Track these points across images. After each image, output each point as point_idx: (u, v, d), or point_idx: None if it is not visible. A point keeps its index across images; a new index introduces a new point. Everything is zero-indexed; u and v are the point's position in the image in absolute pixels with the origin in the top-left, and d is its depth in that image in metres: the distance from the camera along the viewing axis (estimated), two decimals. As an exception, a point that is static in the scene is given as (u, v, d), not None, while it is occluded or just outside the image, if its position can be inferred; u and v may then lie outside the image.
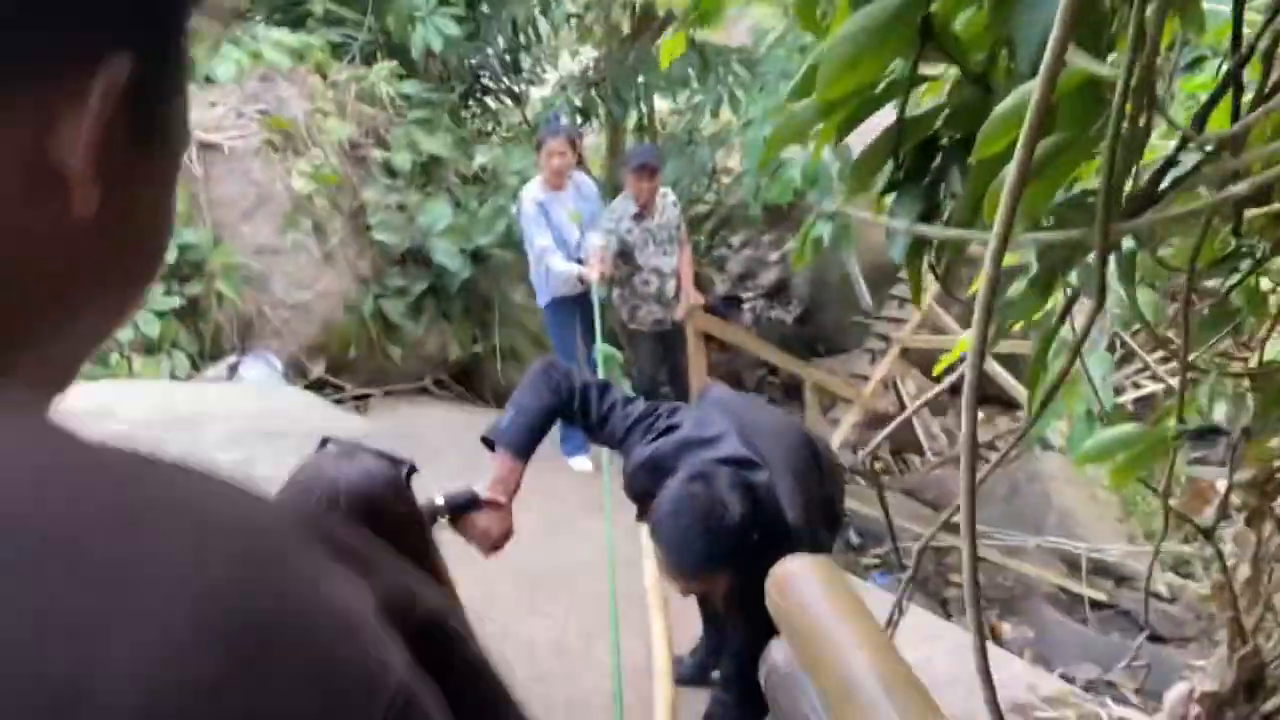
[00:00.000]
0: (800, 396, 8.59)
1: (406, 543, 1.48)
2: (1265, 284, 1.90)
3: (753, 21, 11.64)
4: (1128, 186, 1.28)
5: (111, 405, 4.10)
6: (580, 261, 4.65)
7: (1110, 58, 1.34)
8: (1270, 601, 2.34)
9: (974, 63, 1.42)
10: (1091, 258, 1.34)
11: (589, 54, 10.81)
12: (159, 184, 0.46)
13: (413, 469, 1.64)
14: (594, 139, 10.27)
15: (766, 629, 1.75)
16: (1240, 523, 2.36)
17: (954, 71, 1.54)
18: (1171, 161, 1.31)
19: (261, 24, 6.25)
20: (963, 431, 1.32)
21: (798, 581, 1.27)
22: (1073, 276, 1.46)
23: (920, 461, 9.16)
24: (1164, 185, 1.30)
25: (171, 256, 4.83)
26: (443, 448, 4.93)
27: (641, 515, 2.24)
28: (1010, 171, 1.10)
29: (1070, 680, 5.66)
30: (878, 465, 8.91)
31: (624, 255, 4.83)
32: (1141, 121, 1.21)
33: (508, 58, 7.86)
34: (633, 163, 4.71)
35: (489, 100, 8.13)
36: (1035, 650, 6.05)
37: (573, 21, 7.94)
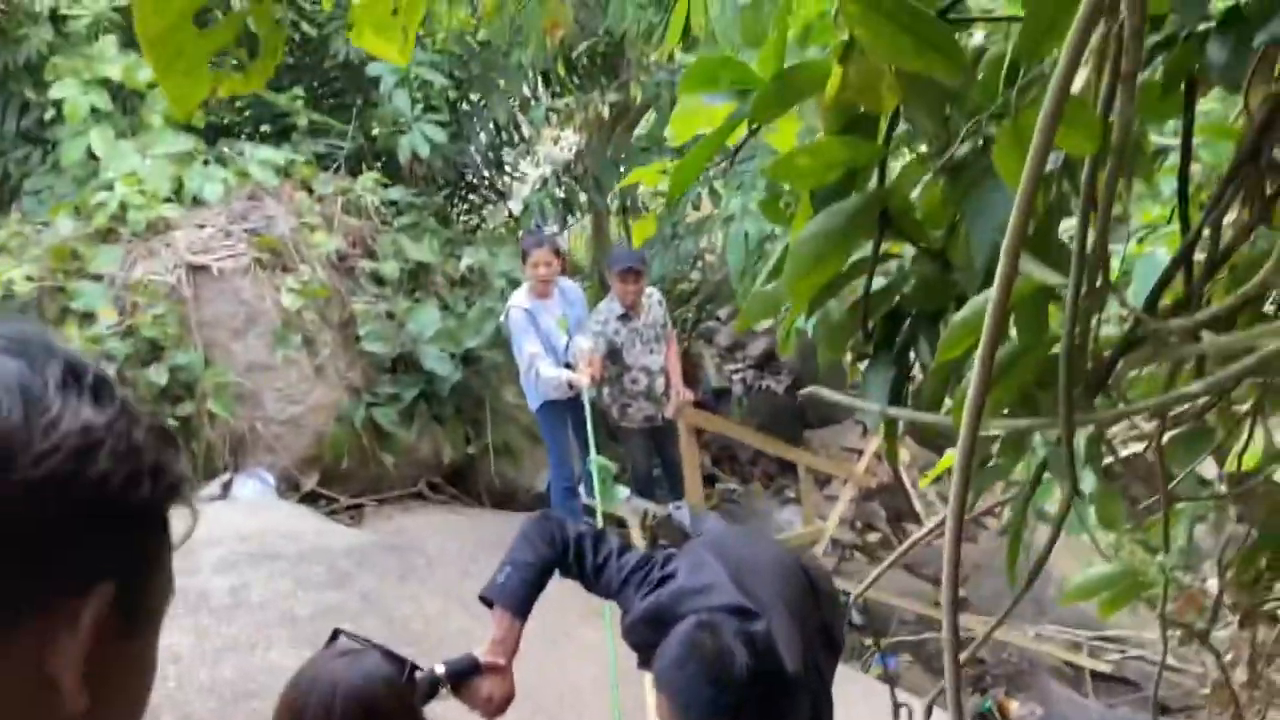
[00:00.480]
0: (794, 472, 8.60)
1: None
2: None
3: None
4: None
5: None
6: (569, 366, 4.72)
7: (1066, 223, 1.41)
8: (1269, 699, 2.36)
9: (933, 240, 1.48)
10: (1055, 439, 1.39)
11: (570, 139, 11.04)
12: (144, 661, 0.52)
13: (415, 667, 1.67)
14: (578, 226, 10.43)
15: None
16: (1234, 624, 2.39)
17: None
18: (1127, 344, 1.37)
19: (247, 141, 6.38)
20: (944, 583, 1.37)
21: None
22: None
23: (917, 530, 9.13)
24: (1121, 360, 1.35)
25: (163, 379, 4.87)
26: (438, 554, 4.93)
27: (643, 664, 2.24)
28: (971, 385, 1.15)
29: (1082, 759, 5.61)
30: (874, 539, 8.92)
31: (612, 356, 4.89)
32: (1093, 322, 1.27)
33: (490, 155, 8.02)
34: (618, 266, 4.79)
35: (473, 198, 8.26)
36: (1045, 727, 6.00)
37: (552, 116, 8.11)
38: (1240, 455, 2.14)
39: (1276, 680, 2.42)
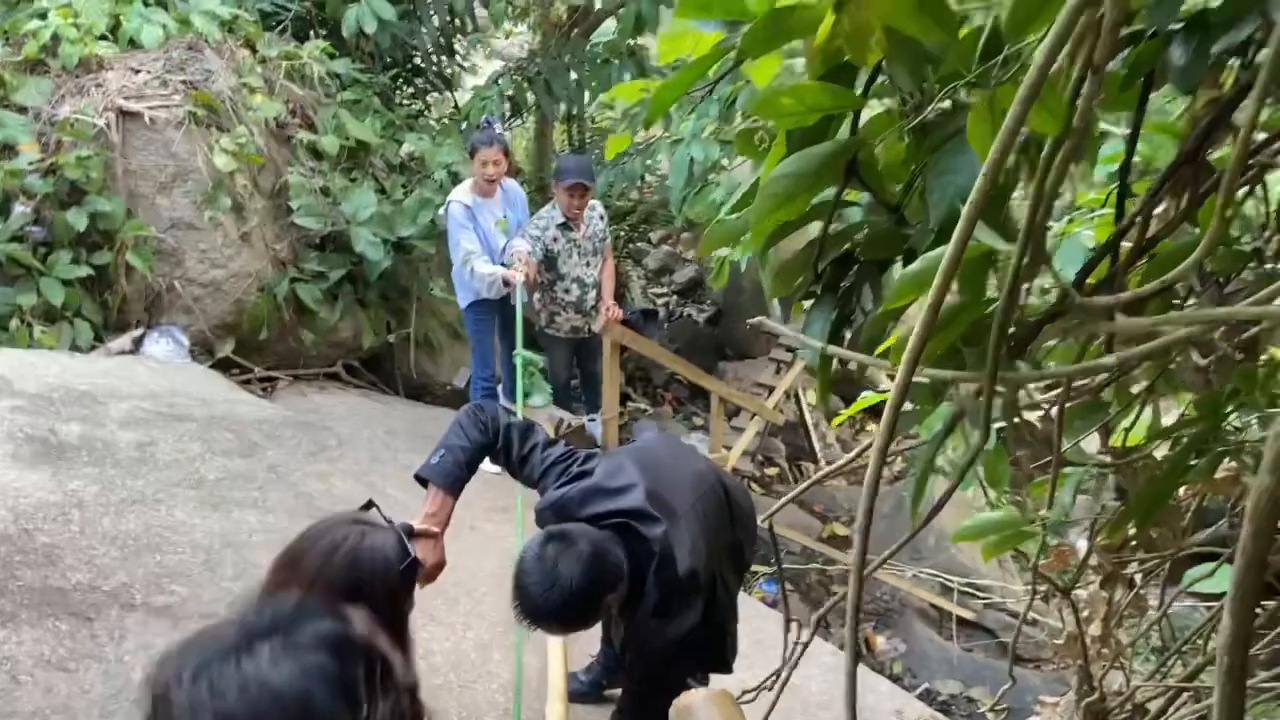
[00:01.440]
0: (706, 398, 8.80)
1: (391, 607, 1.52)
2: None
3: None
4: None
5: (8, 377, 4.00)
6: (504, 265, 4.71)
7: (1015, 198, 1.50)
8: (1117, 655, 2.59)
9: (890, 194, 1.56)
10: (975, 394, 1.50)
11: (521, 39, 10.76)
12: None
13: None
14: (521, 128, 10.26)
15: (656, 685, 1.90)
16: (1096, 584, 2.61)
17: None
18: (1053, 314, 1.48)
19: (192, -13, 6.08)
20: (857, 522, 1.48)
21: (699, 713, 1.40)
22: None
23: (814, 469, 9.50)
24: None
25: (82, 223, 4.71)
26: (349, 436, 4.95)
27: None
28: (914, 332, 1.25)
29: (935, 695, 6.02)
30: (773, 472, 9.23)
31: (548, 263, 4.91)
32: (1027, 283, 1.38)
33: (441, 40, 7.79)
34: (566, 180, 4.76)
35: (419, 82, 8.04)
36: (904, 663, 6.39)
37: (509, 9, 7.90)
38: (1127, 431, 2.32)
39: (1123, 640, 2.64)
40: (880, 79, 1.46)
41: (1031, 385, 2.18)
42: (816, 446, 9.31)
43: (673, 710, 1.48)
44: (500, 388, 5.09)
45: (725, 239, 1.64)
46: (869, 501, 1.37)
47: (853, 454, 2.85)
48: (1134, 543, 2.48)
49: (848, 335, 1.74)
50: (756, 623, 4.45)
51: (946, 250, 1.19)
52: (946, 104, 1.38)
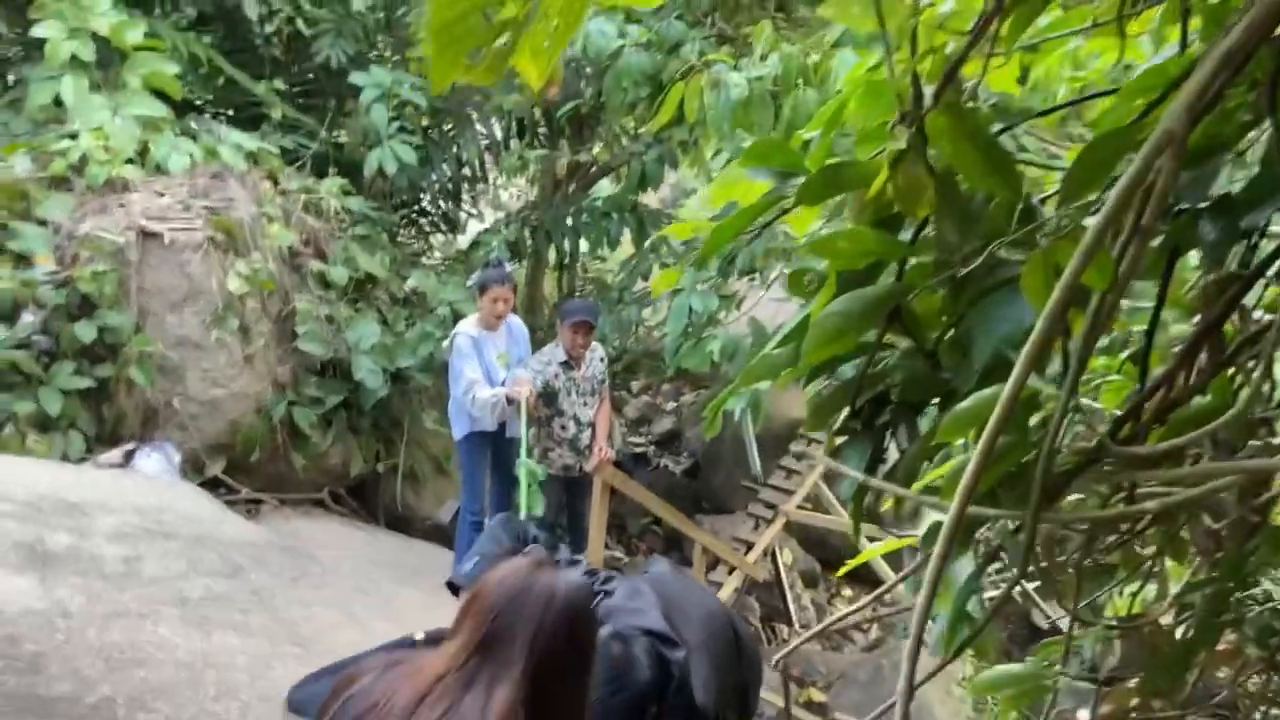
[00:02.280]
0: (682, 550, 8.73)
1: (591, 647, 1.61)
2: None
3: (674, 179, 12.32)
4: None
5: (-1, 482, 3.95)
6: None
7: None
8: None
9: (927, 339, 1.66)
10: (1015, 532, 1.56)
11: (518, 189, 11.18)
12: None
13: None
14: (516, 270, 10.55)
15: None
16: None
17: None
18: (1090, 459, 1.56)
19: (219, 122, 6.36)
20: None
21: None
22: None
23: (789, 632, 9.33)
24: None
25: (89, 336, 4.76)
26: (332, 564, 4.88)
27: None
28: (971, 464, 1.31)
29: None
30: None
31: (547, 399, 4.98)
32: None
33: (450, 186, 8.12)
34: (573, 318, 4.91)
35: (423, 223, 8.32)
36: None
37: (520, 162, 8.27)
38: (1134, 596, 2.37)
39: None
40: (925, 232, 1.58)
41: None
42: (792, 608, 9.18)
43: None
44: (487, 522, 5.06)
45: (766, 373, 1.72)
46: (920, 626, 1.40)
47: (867, 600, 2.86)
48: (1133, 715, 2.48)
49: (880, 471, 1.80)
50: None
51: (1003, 390, 1.27)
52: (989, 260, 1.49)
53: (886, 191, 1.52)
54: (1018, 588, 2.25)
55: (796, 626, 9.05)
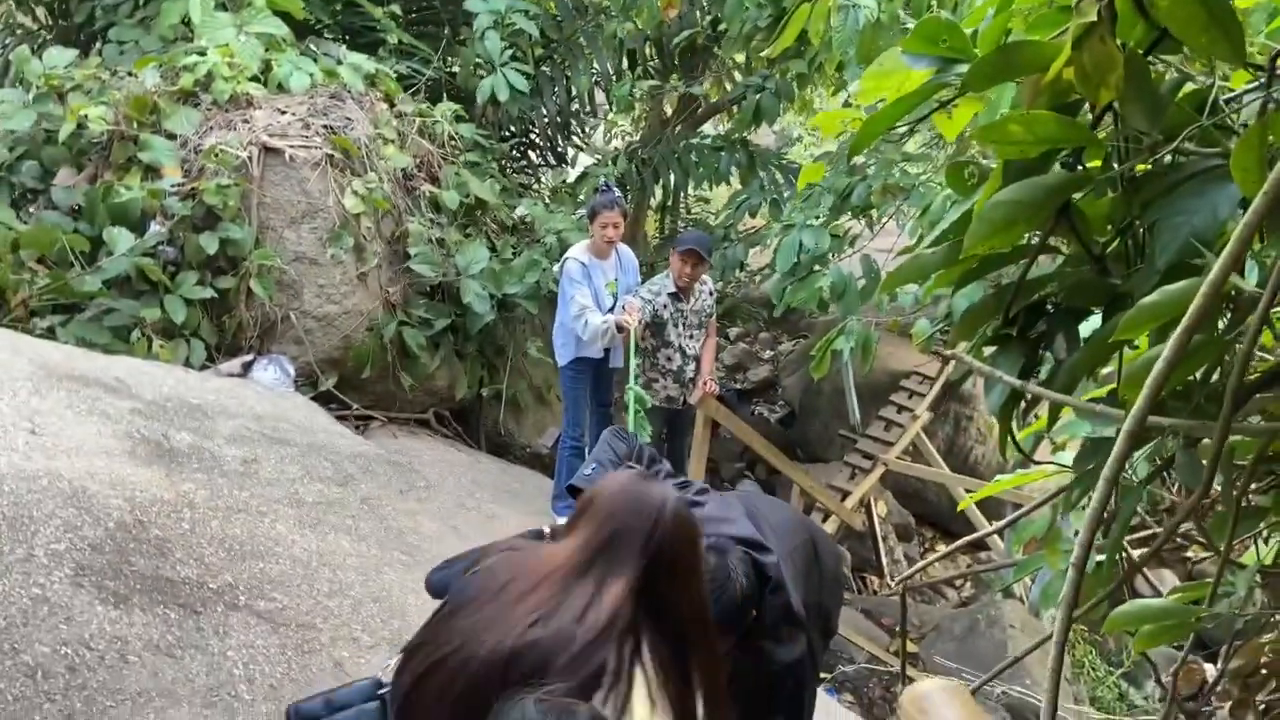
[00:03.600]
0: (777, 496, 8.64)
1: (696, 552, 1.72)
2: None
3: (780, 126, 12.01)
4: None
5: (128, 382, 4.11)
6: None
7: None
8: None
9: (1095, 243, 1.54)
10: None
11: (628, 131, 11.08)
12: None
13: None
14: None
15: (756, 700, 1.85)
16: (1225, 711, 2.45)
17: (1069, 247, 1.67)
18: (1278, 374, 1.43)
19: (339, 44, 6.42)
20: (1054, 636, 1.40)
21: (935, 702, 1.35)
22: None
23: (879, 584, 9.23)
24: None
25: (213, 247, 4.90)
26: (438, 481, 4.97)
27: None
28: (1160, 363, 1.21)
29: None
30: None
31: (655, 329, 4.94)
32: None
33: (559, 119, 8.07)
34: (683, 246, 4.85)
35: (533, 155, 8.31)
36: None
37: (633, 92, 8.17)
38: (1280, 543, 2.21)
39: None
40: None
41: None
42: (884, 560, 9.07)
43: (906, 696, 1.42)
44: (587, 451, 5.08)
45: (919, 273, 1.62)
46: (1087, 542, 1.32)
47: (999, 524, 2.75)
48: (1265, 671, 2.34)
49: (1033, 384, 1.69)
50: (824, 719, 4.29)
51: (1203, 280, 1.16)
52: (1173, 154, 1.36)
53: (1063, 76, 1.40)
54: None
55: (888, 578, 8.94)
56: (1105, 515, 2.01)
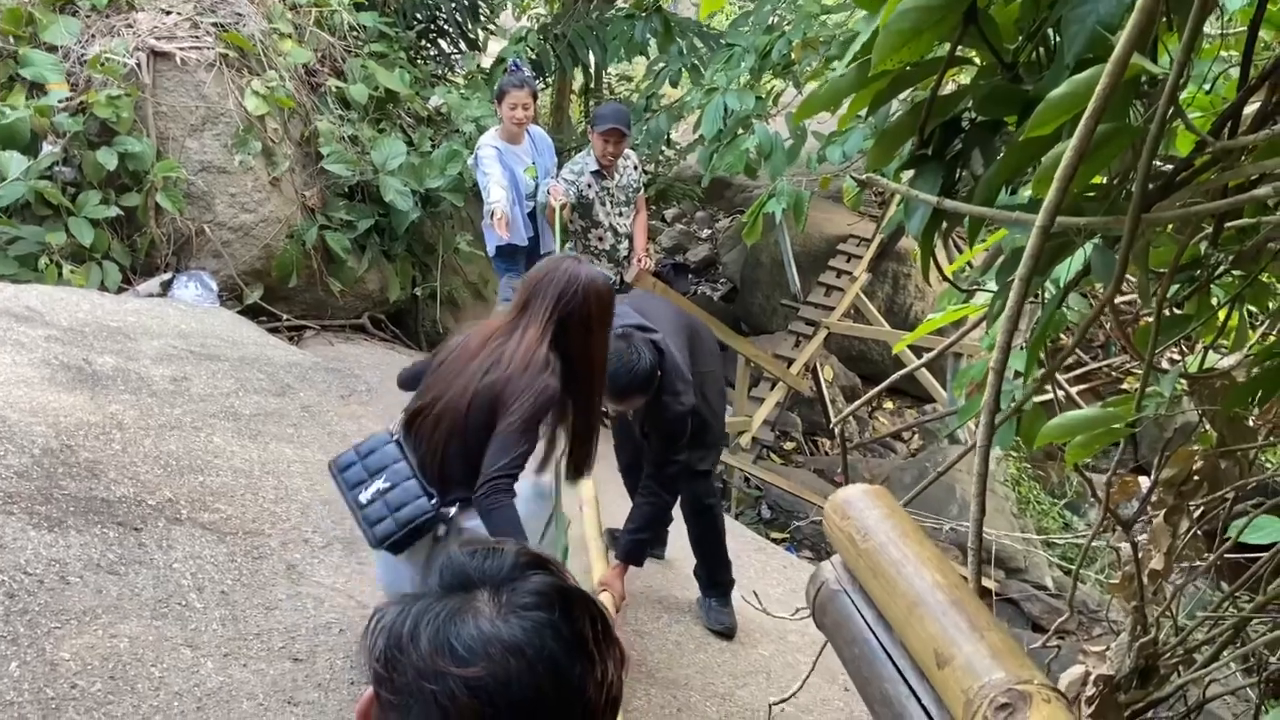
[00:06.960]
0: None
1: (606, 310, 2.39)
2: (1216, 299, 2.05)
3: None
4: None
5: (40, 309, 3.95)
6: (532, 214, 4.66)
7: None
8: (1173, 598, 2.53)
9: (1005, 51, 1.50)
10: (1099, 243, 1.44)
11: (538, 8, 10.67)
12: None
13: None
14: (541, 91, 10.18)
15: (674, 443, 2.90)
16: (1159, 517, 2.54)
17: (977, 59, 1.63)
18: (1186, 164, 1.42)
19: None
20: (980, 430, 1.40)
21: (857, 506, 1.36)
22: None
23: (829, 446, 9.45)
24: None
25: (111, 164, 4.65)
26: (379, 385, 4.90)
27: None
28: (1068, 152, 1.18)
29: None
30: (790, 446, 9.18)
31: (581, 210, 4.84)
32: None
33: (466, 1, 7.73)
34: (603, 124, 4.70)
35: (443, 43, 7.97)
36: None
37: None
38: (1207, 349, 2.26)
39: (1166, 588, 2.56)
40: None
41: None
42: (833, 422, 9.25)
43: (829, 503, 1.44)
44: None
45: (833, 98, 1.57)
46: (1004, 344, 1.31)
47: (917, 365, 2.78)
48: (1197, 477, 2.42)
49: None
50: (790, 571, 4.42)
51: (1104, 68, 1.13)
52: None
53: None
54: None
55: (837, 440, 9.14)
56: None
